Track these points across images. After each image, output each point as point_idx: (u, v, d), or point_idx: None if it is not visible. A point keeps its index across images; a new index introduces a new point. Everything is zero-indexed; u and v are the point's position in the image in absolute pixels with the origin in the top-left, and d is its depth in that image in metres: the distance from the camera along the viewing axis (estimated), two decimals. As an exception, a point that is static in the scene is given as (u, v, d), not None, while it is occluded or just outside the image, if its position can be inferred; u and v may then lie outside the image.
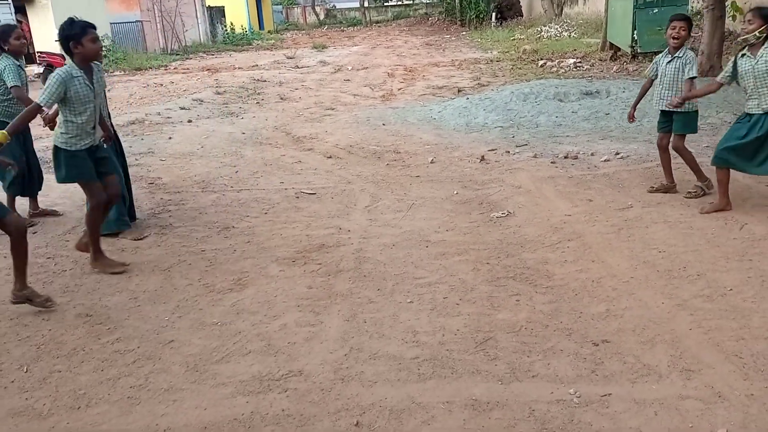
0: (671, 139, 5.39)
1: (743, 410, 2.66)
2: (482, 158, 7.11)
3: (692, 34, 13.89)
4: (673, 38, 5.19)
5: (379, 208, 5.61)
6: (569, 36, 20.57)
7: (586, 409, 2.72)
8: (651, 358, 3.07)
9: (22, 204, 5.61)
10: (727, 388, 2.81)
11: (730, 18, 11.89)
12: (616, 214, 5.06)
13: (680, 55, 5.19)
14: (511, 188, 5.98)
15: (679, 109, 5.17)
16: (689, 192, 5.38)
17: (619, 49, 13.87)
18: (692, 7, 14.44)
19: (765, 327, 3.29)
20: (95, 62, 4.33)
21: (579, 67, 13.53)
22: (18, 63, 5.23)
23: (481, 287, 3.95)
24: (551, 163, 6.81)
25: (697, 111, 5.29)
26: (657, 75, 5.42)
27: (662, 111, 5.39)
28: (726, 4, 11.14)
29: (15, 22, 17.32)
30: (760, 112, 4.72)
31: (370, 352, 3.26)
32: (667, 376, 2.92)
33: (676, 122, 5.29)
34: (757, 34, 4.63)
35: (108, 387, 3.05)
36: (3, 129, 3.94)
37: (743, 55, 4.78)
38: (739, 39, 4.80)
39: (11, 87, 5.13)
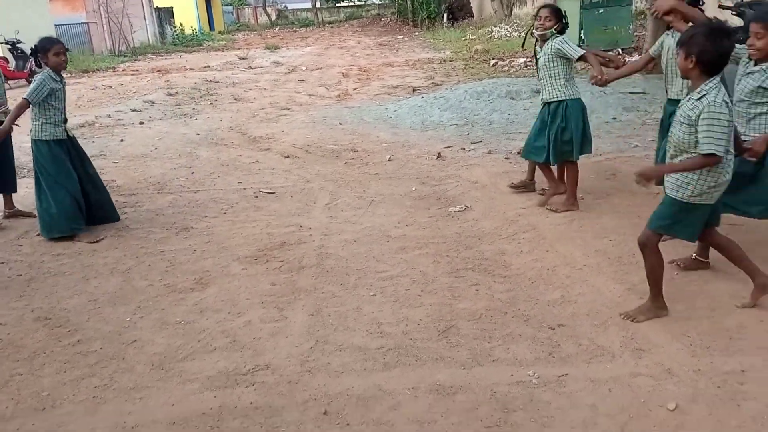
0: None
1: (692, 385, 2.82)
2: (438, 155, 7.24)
3: (636, 34, 14.49)
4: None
5: (339, 205, 5.66)
6: (519, 36, 20.98)
7: (545, 389, 2.84)
8: (604, 340, 3.22)
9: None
10: (676, 364, 2.97)
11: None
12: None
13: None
14: (467, 183, 6.12)
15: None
16: (542, 190, 5.57)
17: (568, 48, 14.21)
18: (636, 7, 14.94)
19: (709, 307, 3.48)
20: None
21: (529, 66, 13.80)
22: None
23: (442, 279, 4.05)
24: (505, 158, 6.98)
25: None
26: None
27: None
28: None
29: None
30: (542, 102, 5.16)
31: (335, 344, 3.31)
32: (620, 356, 3.07)
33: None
34: (553, 31, 4.97)
35: (72, 388, 3.02)
36: None
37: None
38: (535, 34, 5.09)
39: None
